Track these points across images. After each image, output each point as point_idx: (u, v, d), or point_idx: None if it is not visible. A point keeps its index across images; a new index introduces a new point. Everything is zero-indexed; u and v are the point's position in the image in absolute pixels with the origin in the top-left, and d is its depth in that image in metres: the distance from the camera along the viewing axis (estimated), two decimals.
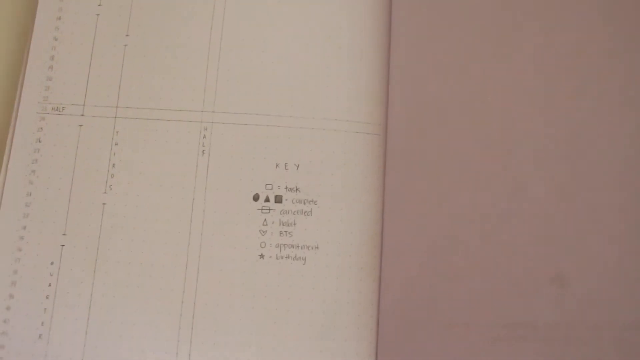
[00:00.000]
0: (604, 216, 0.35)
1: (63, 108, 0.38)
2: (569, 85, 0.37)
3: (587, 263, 0.34)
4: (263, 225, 0.37)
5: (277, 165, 0.38)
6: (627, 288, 0.34)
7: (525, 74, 0.37)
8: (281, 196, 0.37)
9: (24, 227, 0.37)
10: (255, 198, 0.37)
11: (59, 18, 0.40)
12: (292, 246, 0.37)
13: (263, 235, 0.37)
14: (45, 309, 0.36)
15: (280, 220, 0.37)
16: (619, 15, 0.38)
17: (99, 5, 0.40)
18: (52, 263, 0.36)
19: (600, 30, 0.37)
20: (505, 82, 0.37)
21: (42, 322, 0.36)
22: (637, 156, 0.35)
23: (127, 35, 0.39)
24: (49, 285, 0.36)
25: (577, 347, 0.33)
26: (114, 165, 0.38)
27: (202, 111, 0.38)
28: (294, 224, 0.37)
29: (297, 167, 0.38)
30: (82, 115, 0.38)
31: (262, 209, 0.37)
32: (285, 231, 0.37)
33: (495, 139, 0.36)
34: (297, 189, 0.37)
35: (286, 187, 0.37)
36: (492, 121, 0.37)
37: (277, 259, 0.37)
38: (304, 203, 0.37)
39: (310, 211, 0.37)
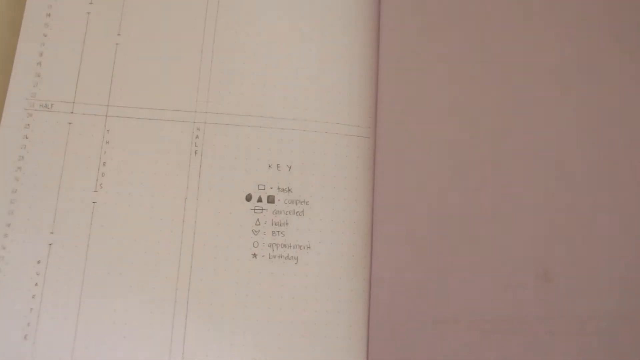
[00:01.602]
0: (587, 213, 0.37)
1: (52, 105, 0.38)
2: (556, 86, 0.39)
3: (571, 258, 0.36)
4: (256, 225, 0.37)
5: (269, 166, 0.38)
6: (609, 282, 0.36)
7: (513, 76, 0.39)
8: (273, 196, 0.38)
9: (9, 225, 0.36)
10: (248, 198, 0.38)
11: (49, 15, 0.39)
12: (285, 246, 0.37)
13: (256, 235, 0.37)
14: (31, 308, 0.35)
15: (272, 220, 0.38)
16: (610, 17, 0.40)
17: (90, 3, 0.39)
18: (38, 262, 0.36)
19: (590, 32, 0.40)
20: (494, 84, 0.39)
21: (28, 323, 0.35)
22: (620, 155, 0.38)
23: (118, 34, 0.39)
24: (36, 284, 0.35)
25: (562, 339, 0.35)
26: (104, 163, 0.37)
27: (195, 111, 0.38)
28: (286, 223, 0.38)
29: (289, 168, 0.38)
30: (72, 112, 0.38)
31: (254, 209, 0.38)
32: (278, 231, 0.37)
33: (482, 139, 0.38)
34: (289, 190, 0.38)
35: (278, 188, 0.38)
36: (479, 122, 0.38)
37: (269, 258, 0.37)
38: (296, 203, 0.38)
39: (302, 211, 0.38)
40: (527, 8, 0.40)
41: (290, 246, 0.37)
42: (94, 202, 0.37)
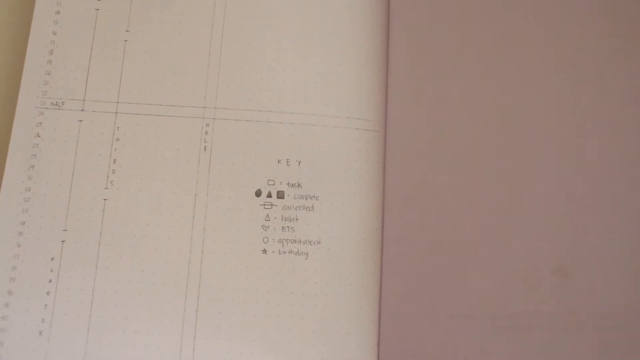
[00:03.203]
0: (604, 207, 0.36)
1: (63, 103, 0.38)
2: (569, 79, 0.38)
3: (588, 253, 0.35)
4: (265, 220, 0.37)
5: (279, 161, 0.38)
6: (628, 277, 0.35)
7: (525, 70, 0.38)
8: (283, 192, 0.38)
9: (23, 223, 0.36)
10: (258, 194, 0.38)
11: (58, 12, 0.39)
12: (294, 241, 0.37)
13: (265, 230, 0.37)
14: (45, 305, 0.36)
15: (282, 215, 0.37)
16: (620, 14, 0.39)
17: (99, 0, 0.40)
18: (52, 259, 0.36)
19: (601, 29, 0.39)
20: (504, 77, 0.38)
21: (43, 319, 0.35)
22: (637, 149, 0.37)
23: (127, 31, 0.39)
24: (50, 281, 0.36)
25: (579, 336, 0.34)
26: (115, 160, 0.37)
27: (204, 107, 0.38)
28: (296, 219, 0.37)
29: (299, 163, 0.38)
30: (83, 110, 0.38)
31: (264, 205, 0.37)
32: (288, 226, 0.37)
33: (495, 132, 0.37)
34: (298, 185, 0.38)
35: (288, 183, 0.38)
36: (491, 115, 0.38)
37: (279, 254, 0.37)
38: (306, 198, 0.38)
39: (312, 206, 0.38)
40: (541, 3, 0.39)
41: (300, 242, 0.37)
42: (104, 199, 0.37)
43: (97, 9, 0.39)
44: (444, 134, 0.37)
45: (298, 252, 0.37)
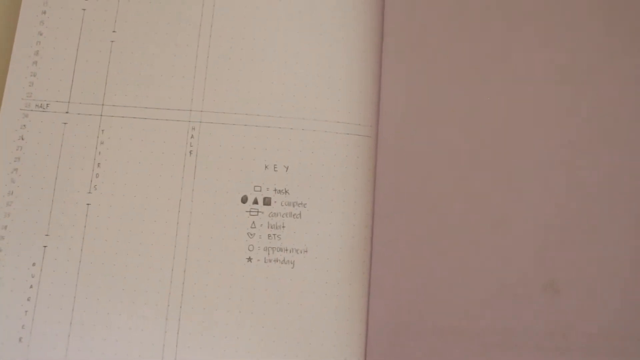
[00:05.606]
0: (598, 223, 0.35)
1: (47, 105, 0.37)
2: (564, 89, 0.36)
3: (580, 271, 0.34)
4: (251, 227, 0.36)
5: (266, 167, 0.37)
6: (620, 296, 0.33)
7: (518, 77, 0.37)
8: (270, 198, 0.37)
9: (5, 227, 0.36)
10: (244, 200, 0.37)
11: (44, 12, 0.38)
12: (281, 249, 0.36)
13: (251, 238, 0.36)
14: (26, 311, 0.35)
15: (268, 223, 0.36)
16: (616, 18, 0.37)
17: None
18: (34, 264, 0.36)
19: (596, 34, 0.37)
20: (498, 84, 0.37)
21: (23, 325, 0.35)
22: (632, 163, 0.35)
23: (114, 31, 0.38)
24: (31, 287, 0.35)
25: (570, 356, 0.33)
26: (99, 164, 0.37)
27: (190, 110, 0.37)
28: (283, 226, 0.36)
29: (287, 168, 0.37)
30: (67, 112, 0.37)
31: (250, 211, 0.36)
32: (274, 234, 0.36)
33: (488, 143, 0.36)
34: (286, 191, 0.37)
35: (275, 189, 0.37)
36: (484, 125, 0.36)
37: (265, 262, 0.36)
38: (293, 206, 0.37)
39: (300, 214, 0.36)
40: (534, 4, 0.37)
41: (286, 250, 0.36)
42: (88, 204, 0.36)
43: (84, 9, 0.39)
44: (438, 140, 0.36)
45: (284, 260, 0.36)
